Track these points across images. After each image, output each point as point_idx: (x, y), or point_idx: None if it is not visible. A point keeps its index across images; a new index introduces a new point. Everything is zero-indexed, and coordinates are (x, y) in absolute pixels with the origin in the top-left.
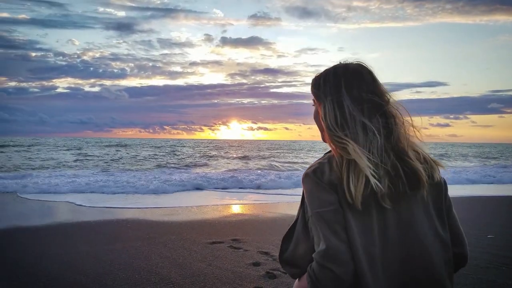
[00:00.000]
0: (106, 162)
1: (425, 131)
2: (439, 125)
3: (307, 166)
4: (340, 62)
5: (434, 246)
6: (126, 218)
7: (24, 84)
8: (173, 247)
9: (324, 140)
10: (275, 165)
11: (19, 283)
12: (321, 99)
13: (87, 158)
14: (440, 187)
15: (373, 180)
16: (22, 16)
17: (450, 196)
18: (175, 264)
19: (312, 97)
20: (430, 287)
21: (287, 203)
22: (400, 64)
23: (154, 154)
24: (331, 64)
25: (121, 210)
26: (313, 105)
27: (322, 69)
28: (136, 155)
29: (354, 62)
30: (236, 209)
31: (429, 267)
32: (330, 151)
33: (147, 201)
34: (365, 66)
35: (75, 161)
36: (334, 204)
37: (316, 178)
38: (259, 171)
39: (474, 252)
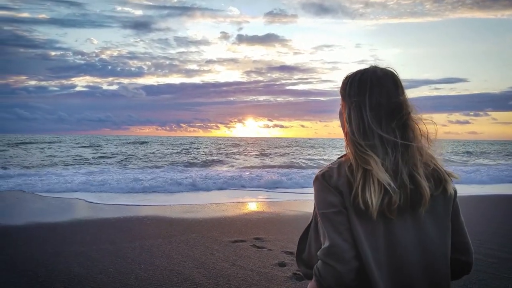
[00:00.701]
0: (125, 159)
1: (444, 129)
2: (458, 122)
3: (327, 163)
4: (371, 66)
5: (435, 259)
6: (145, 215)
7: (44, 83)
8: (194, 245)
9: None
10: (296, 162)
11: (38, 282)
12: (346, 101)
13: (106, 155)
14: (450, 199)
15: (393, 196)
16: (42, 16)
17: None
18: (198, 264)
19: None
20: None
21: (309, 201)
22: (419, 60)
23: (173, 151)
24: (348, 61)
25: (139, 207)
26: (341, 104)
27: (338, 66)
28: (153, 152)
29: (383, 68)
30: (257, 207)
31: (430, 279)
32: (341, 157)
33: (164, 199)
34: (391, 74)
35: (93, 158)
36: (338, 206)
37: (324, 181)
38: (276, 169)
39: (503, 252)
